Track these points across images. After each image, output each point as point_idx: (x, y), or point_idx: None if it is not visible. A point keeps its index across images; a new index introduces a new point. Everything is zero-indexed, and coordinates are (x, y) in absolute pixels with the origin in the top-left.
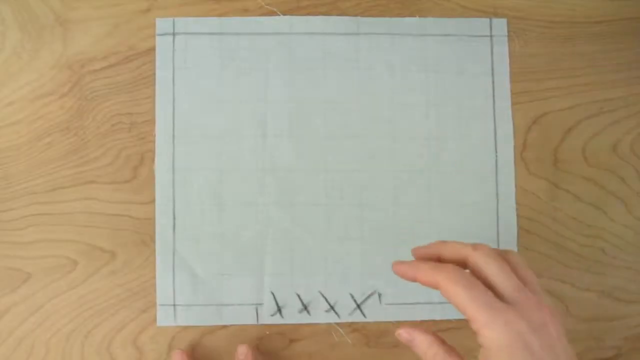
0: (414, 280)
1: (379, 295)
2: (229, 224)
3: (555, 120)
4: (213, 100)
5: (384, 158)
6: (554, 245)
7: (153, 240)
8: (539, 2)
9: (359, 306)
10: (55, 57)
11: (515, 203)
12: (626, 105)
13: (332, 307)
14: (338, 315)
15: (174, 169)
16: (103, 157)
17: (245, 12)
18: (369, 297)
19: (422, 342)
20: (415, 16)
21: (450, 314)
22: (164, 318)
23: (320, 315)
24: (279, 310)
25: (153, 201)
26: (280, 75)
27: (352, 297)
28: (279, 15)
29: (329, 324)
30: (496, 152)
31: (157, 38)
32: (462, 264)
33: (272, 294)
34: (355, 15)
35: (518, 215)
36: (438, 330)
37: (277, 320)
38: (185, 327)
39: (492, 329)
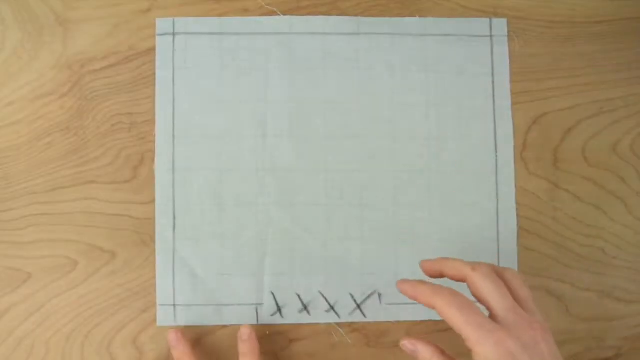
0: (414, 300)
1: (379, 295)
2: (229, 224)
3: (555, 120)
4: (213, 100)
5: (384, 158)
6: (554, 245)
7: (153, 240)
8: (539, 2)
9: (359, 306)
10: (55, 57)
11: (515, 203)
12: (626, 105)
13: (332, 307)
14: (338, 315)
15: (174, 169)
16: (103, 157)
17: (245, 12)
18: (369, 297)
19: (424, 353)
20: (415, 16)
21: None
22: (164, 318)
23: (320, 315)
24: (279, 310)
25: (153, 201)
26: (280, 75)
27: (352, 297)
28: (279, 15)
29: (329, 324)
30: (496, 152)
31: (157, 38)
32: (463, 281)
33: (272, 294)
34: (356, 15)
35: (518, 215)
36: (438, 330)
37: (277, 320)
38: (185, 327)
39: (483, 348)
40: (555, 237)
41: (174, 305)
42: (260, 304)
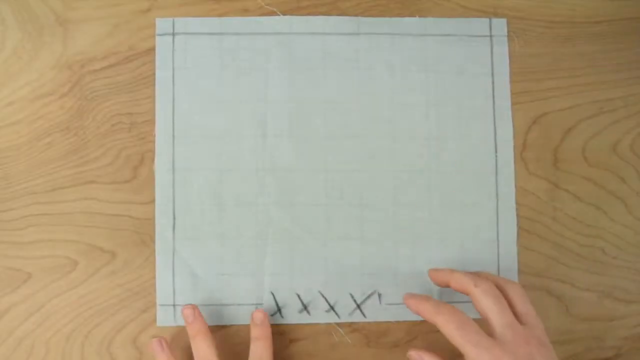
0: (418, 314)
1: (379, 295)
2: (229, 224)
3: (555, 120)
4: (213, 100)
5: (384, 158)
6: (554, 245)
7: (153, 240)
8: (539, 2)
9: (359, 306)
10: (55, 57)
11: (515, 203)
12: (626, 105)
13: (332, 307)
14: (338, 315)
15: (174, 169)
16: (103, 157)
17: (245, 12)
18: (369, 297)
19: None
20: (415, 16)
21: None
22: (164, 318)
23: (320, 315)
24: (279, 310)
25: (153, 201)
26: (280, 75)
27: (352, 297)
28: (279, 15)
29: (329, 324)
30: (496, 152)
31: (157, 38)
32: (467, 294)
33: (272, 294)
34: (356, 15)
35: (518, 215)
36: (437, 330)
37: (277, 320)
38: (185, 327)
39: None
40: (555, 237)
41: (174, 305)
42: (260, 304)
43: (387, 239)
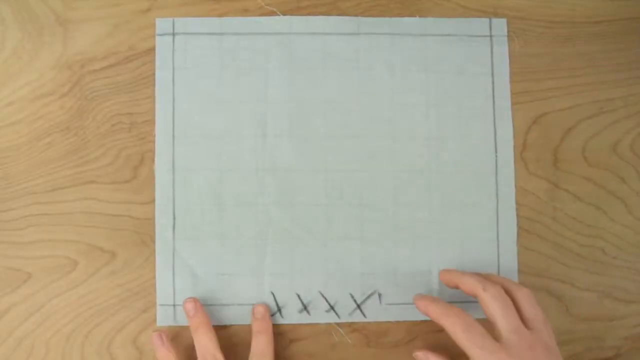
0: (426, 315)
1: (379, 295)
2: (229, 224)
3: (555, 120)
4: (213, 100)
5: (384, 158)
6: (554, 245)
7: (153, 240)
8: (539, 2)
9: (359, 306)
10: (55, 57)
11: (515, 203)
12: (626, 105)
13: (332, 307)
14: (338, 315)
15: (174, 169)
16: (103, 157)
17: (245, 12)
18: (369, 297)
19: None
20: (415, 16)
21: None
22: (164, 318)
23: (320, 315)
24: (279, 310)
25: (153, 201)
26: (280, 75)
27: (352, 297)
28: (279, 15)
29: (329, 324)
30: (496, 152)
31: (157, 38)
32: (475, 297)
33: (272, 294)
34: (356, 15)
35: (518, 215)
36: (437, 330)
37: (277, 320)
38: (185, 327)
39: None
40: (555, 237)
41: (174, 305)
42: None
43: (387, 239)
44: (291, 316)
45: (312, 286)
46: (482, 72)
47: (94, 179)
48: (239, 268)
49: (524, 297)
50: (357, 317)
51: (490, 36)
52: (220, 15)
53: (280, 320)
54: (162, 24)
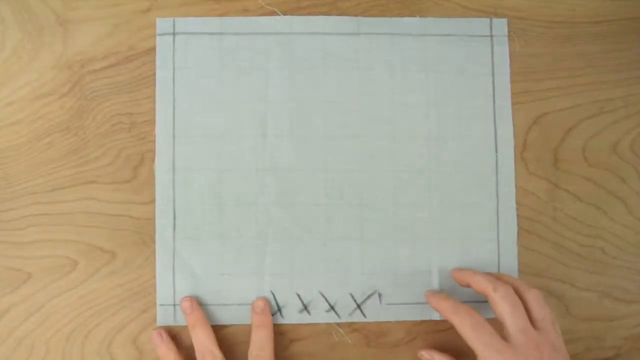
0: (436, 311)
1: (379, 295)
2: (229, 224)
3: (556, 120)
4: (213, 100)
5: (384, 158)
6: (554, 245)
7: (153, 240)
8: (539, 2)
9: (359, 306)
10: (55, 57)
11: (515, 203)
12: (626, 105)
13: (332, 307)
14: (338, 315)
15: (174, 169)
16: (103, 157)
17: (245, 12)
18: (369, 297)
19: None
20: (415, 16)
21: None
22: (164, 318)
23: (320, 315)
24: (279, 310)
25: (153, 201)
26: (280, 75)
27: (352, 297)
28: (279, 15)
29: (329, 324)
30: (496, 152)
31: (157, 38)
32: (486, 296)
33: (272, 293)
34: (356, 15)
35: (518, 215)
36: (437, 330)
37: (277, 320)
38: (186, 327)
39: None
40: (555, 237)
41: (174, 305)
42: None
43: (387, 239)
44: (291, 316)
45: (312, 286)
46: (483, 72)
47: (94, 179)
48: (239, 268)
49: (534, 298)
50: (357, 317)
51: (491, 36)
52: (220, 15)
53: (280, 320)
54: (163, 23)
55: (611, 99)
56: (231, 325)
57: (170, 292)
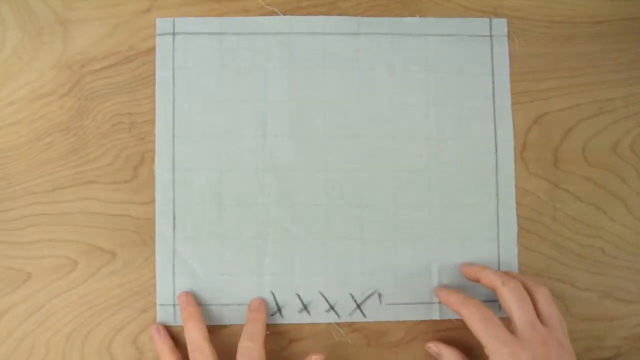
0: (446, 305)
1: (379, 295)
2: (229, 224)
3: (556, 120)
4: (213, 100)
5: (384, 158)
6: (554, 245)
7: (153, 240)
8: (539, 2)
9: (359, 306)
10: (55, 57)
11: (515, 203)
12: (626, 105)
13: (332, 307)
14: (338, 315)
15: (174, 169)
16: (103, 157)
17: (245, 12)
18: (369, 297)
19: (448, 356)
20: (415, 16)
21: (450, 314)
22: (164, 318)
23: (320, 315)
24: (279, 310)
25: (153, 201)
26: (280, 75)
27: (352, 297)
28: (279, 15)
29: (329, 324)
30: (496, 152)
31: (157, 38)
32: (495, 291)
33: (272, 294)
34: (356, 15)
35: (518, 215)
36: (438, 330)
37: (277, 320)
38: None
39: (498, 357)
40: (555, 237)
41: (174, 305)
42: None
43: (387, 239)
44: (291, 316)
45: (312, 286)
46: (482, 72)
47: (94, 179)
48: (239, 268)
49: (541, 295)
50: (357, 317)
51: (491, 36)
52: (220, 15)
53: (280, 320)
54: (163, 23)
55: (611, 99)
56: (231, 325)
57: (170, 292)
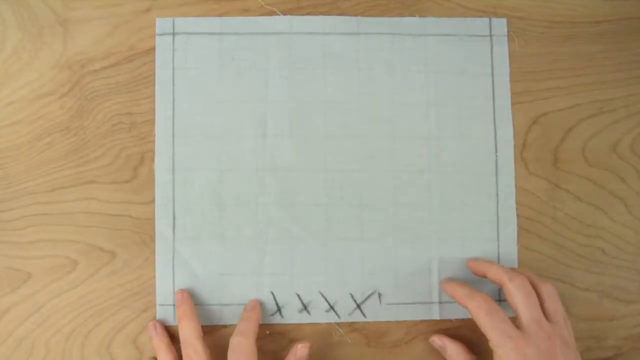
0: (452, 298)
1: (379, 295)
2: (229, 224)
3: (555, 120)
4: (213, 100)
5: (384, 158)
6: (554, 245)
7: (153, 240)
8: (539, 2)
9: (359, 306)
10: (55, 57)
11: (515, 203)
12: (626, 105)
13: (332, 307)
14: (338, 315)
15: (174, 169)
16: (103, 157)
17: (245, 12)
18: (369, 297)
19: (451, 350)
20: (415, 16)
21: (450, 314)
22: (164, 318)
23: (320, 315)
24: (279, 310)
25: (153, 201)
26: (280, 75)
27: (352, 297)
28: (279, 15)
29: (329, 324)
30: (496, 152)
31: (157, 38)
32: (501, 286)
33: (272, 293)
34: (356, 15)
35: (518, 215)
36: (438, 329)
37: (277, 320)
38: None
39: (502, 350)
40: (555, 237)
41: (174, 305)
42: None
43: (388, 239)
44: (291, 316)
45: (312, 286)
46: (482, 72)
47: (94, 179)
48: (239, 268)
49: (547, 292)
50: (357, 317)
51: (490, 36)
52: (220, 15)
53: (280, 320)
54: (162, 23)
55: (611, 99)
56: (231, 325)
57: (170, 292)
